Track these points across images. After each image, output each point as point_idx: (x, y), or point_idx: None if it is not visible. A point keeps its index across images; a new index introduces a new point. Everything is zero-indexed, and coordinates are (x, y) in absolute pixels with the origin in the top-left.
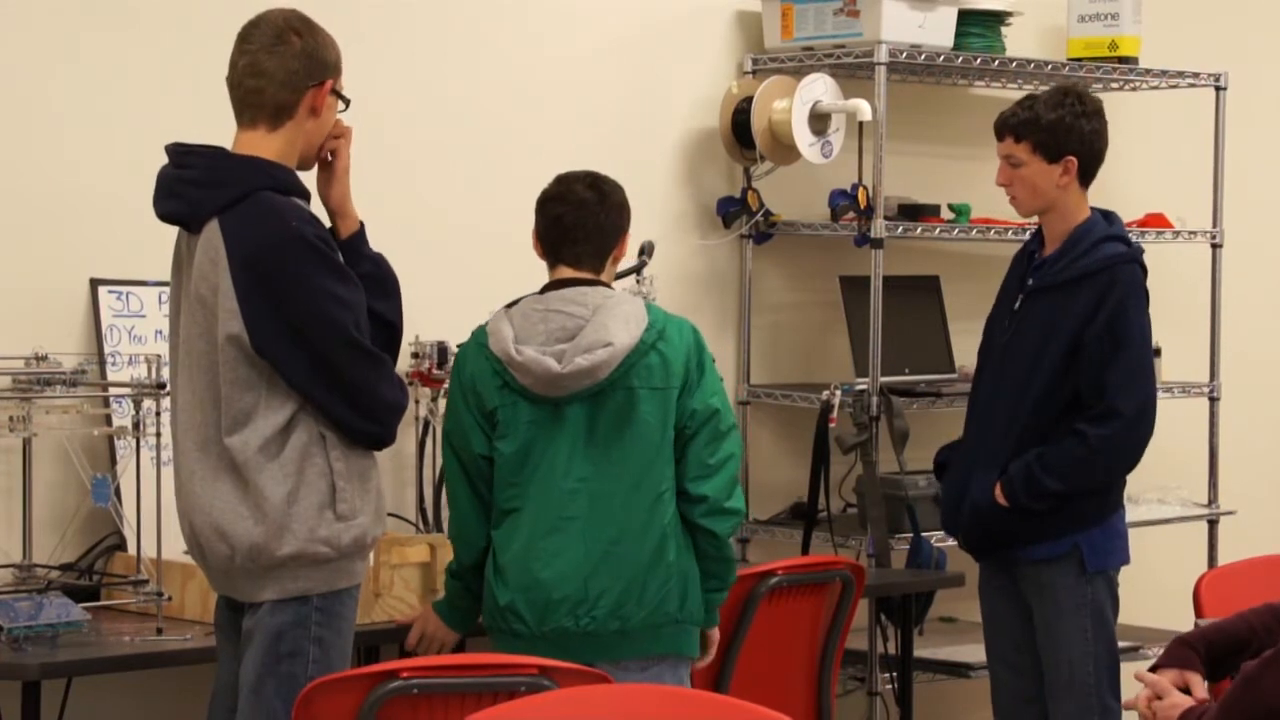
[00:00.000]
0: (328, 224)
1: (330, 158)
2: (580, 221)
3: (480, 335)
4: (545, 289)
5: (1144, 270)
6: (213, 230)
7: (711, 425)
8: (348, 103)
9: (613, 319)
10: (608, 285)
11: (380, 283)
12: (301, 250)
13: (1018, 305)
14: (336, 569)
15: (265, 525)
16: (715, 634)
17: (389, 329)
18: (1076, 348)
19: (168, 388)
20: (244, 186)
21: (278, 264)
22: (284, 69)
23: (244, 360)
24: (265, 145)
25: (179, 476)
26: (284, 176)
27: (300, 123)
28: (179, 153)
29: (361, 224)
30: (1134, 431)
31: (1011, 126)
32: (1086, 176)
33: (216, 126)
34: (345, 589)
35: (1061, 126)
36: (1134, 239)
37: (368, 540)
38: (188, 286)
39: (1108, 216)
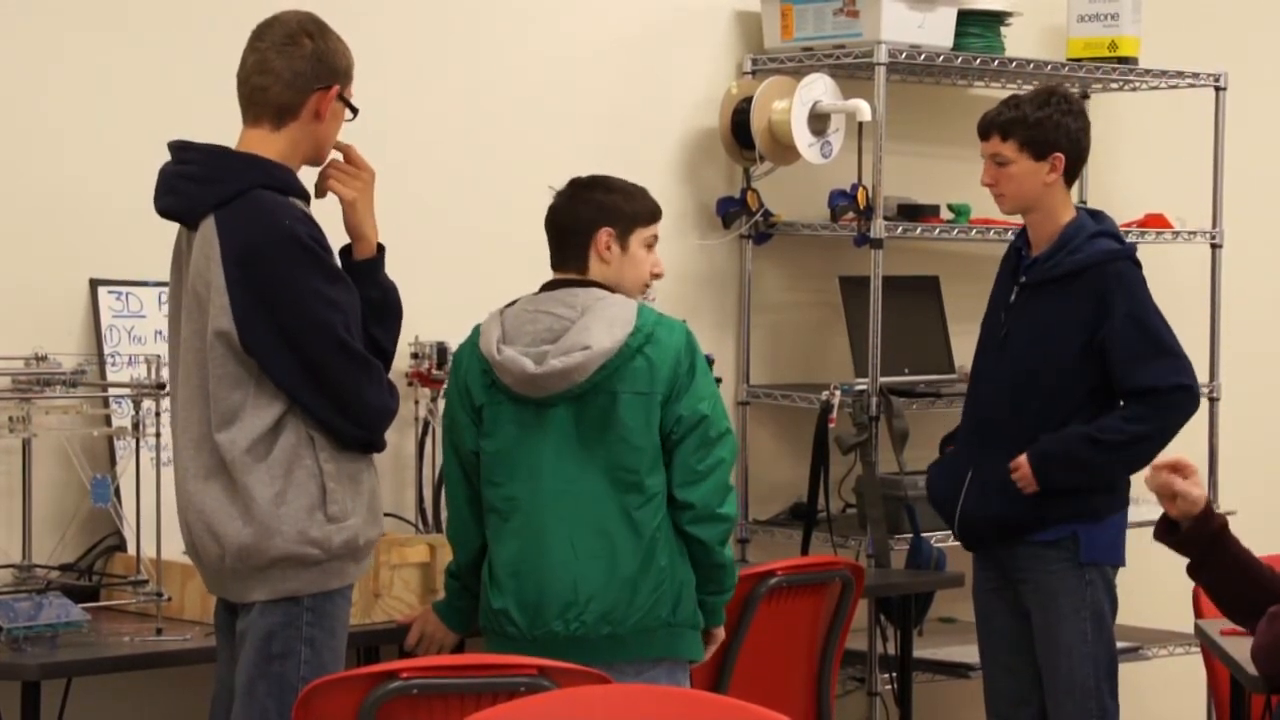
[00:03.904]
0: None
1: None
2: (552, 222)
3: (475, 334)
4: (541, 289)
5: (1138, 265)
6: (209, 226)
7: (699, 431)
8: (355, 111)
9: (596, 321)
10: (603, 286)
11: (384, 310)
12: (293, 250)
13: (1012, 299)
14: (327, 570)
15: (254, 526)
16: (719, 632)
17: (381, 355)
18: (1089, 345)
19: (167, 388)
20: (241, 183)
21: (269, 262)
22: (291, 69)
23: (232, 357)
24: (268, 144)
25: (176, 474)
26: (283, 176)
27: (304, 124)
28: (179, 148)
29: (381, 249)
30: (1194, 404)
31: (998, 125)
32: (1071, 175)
33: (215, 126)
34: (337, 589)
35: (1049, 123)
36: (1132, 238)
37: (360, 542)
38: (185, 283)
39: (1095, 215)
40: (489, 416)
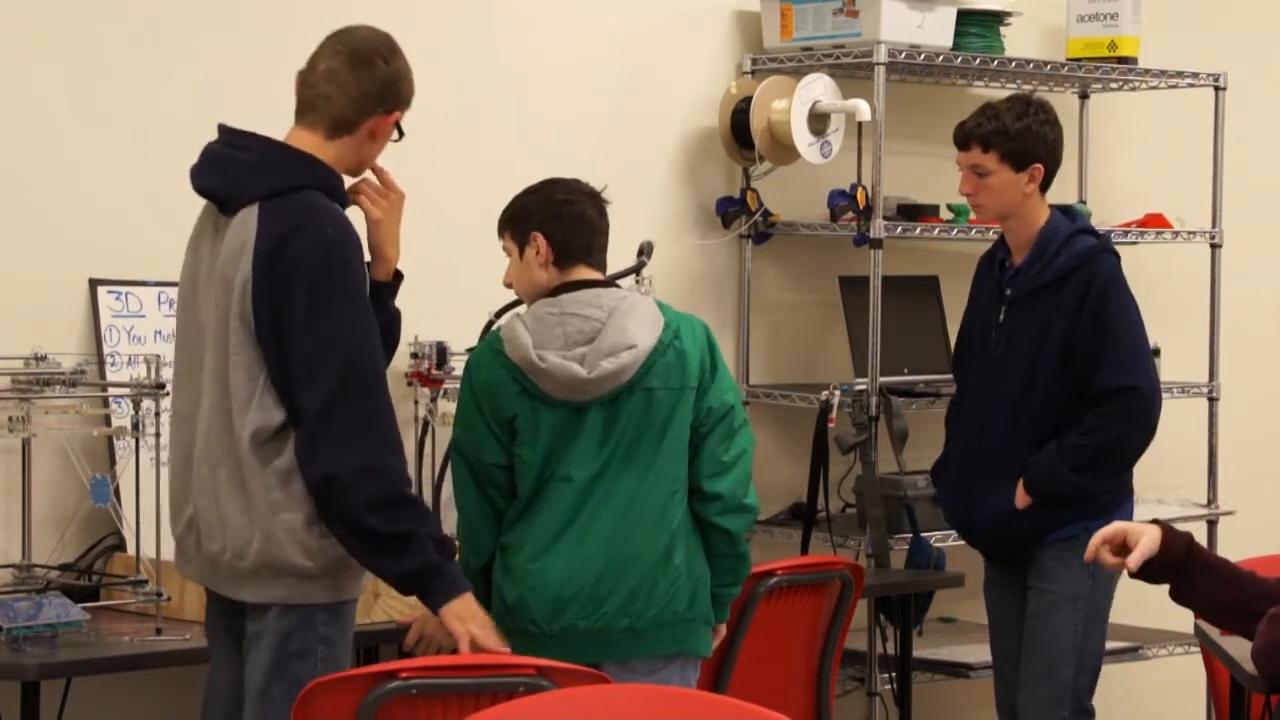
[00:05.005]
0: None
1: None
2: (604, 223)
3: (494, 341)
4: (556, 291)
5: (1117, 257)
6: (250, 215)
7: (726, 422)
8: (402, 134)
9: (631, 321)
10: (618, 286)
11: (383, 338)
12: (328, 261)
13: (1002, 317)
14: (320, 583)
15: (252, 526)
16: (722, 628)
17: None
18: (1069, 346)
19: (167, 388)
20: (293, 180)
21: (300, 266)
22: (360, 88)
23: (249, 345)
24: (319, 150)
25: (181, 457)
26: (332, 181)
27: (357, 141)
28: (232, 133)
29: (397, 275)
30: (1148, 403)
31: (978, 136)
32: (1046, 184)
33: (214, 128)
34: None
35: (1028, 135)
36: (1131, 238)
37: (353, 560)
38: (211, 264)
39: (1068, 212)
40: (526, 425)
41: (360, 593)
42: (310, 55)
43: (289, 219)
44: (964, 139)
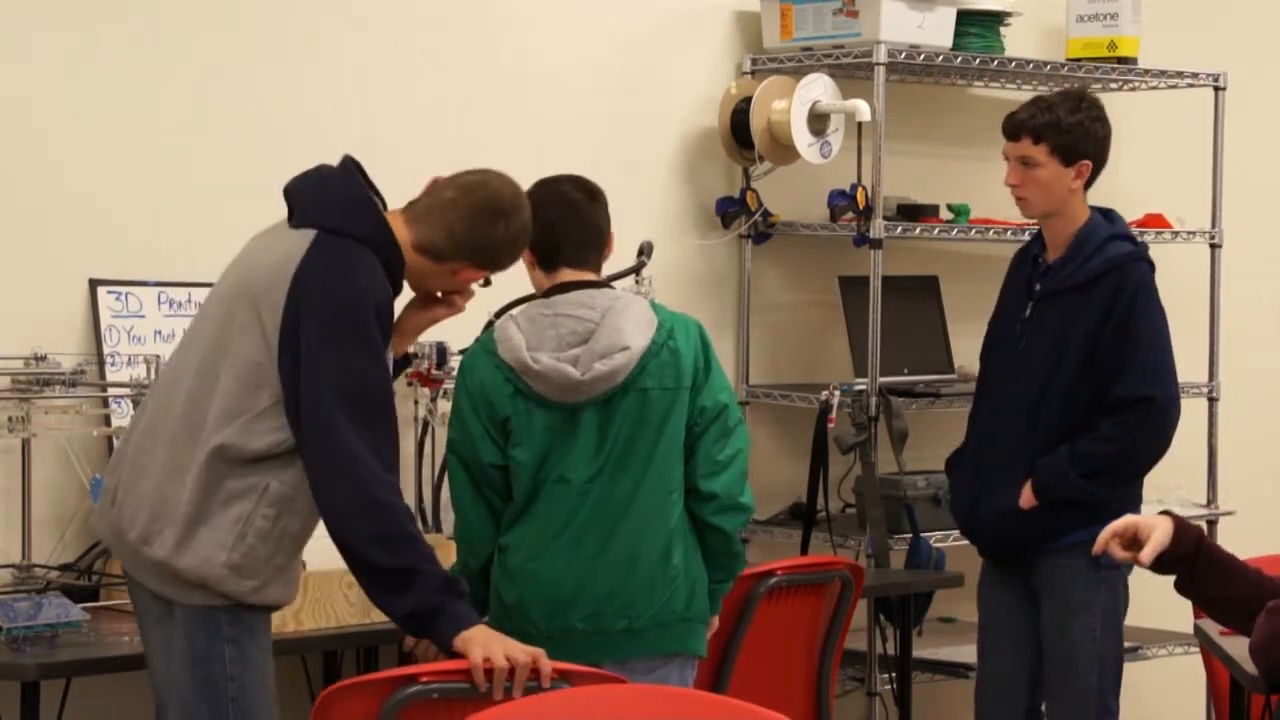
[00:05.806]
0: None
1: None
2: (580, 221)
3: (488, 342)
4: (549, 293)
5: (1152, 266)
6: (304, 238)
7: (720, 421)
8: (489, 283)
9: (625, 321)
10: (611, 286)
11: None
12: (356, 308)
13: (1028, 313)
14: (207, 596)
15: (164, 521)
16: (716, 620)
17: None
18: (1092, 351)
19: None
20: (359, 231)
21: (327, 305)
22: (464, 234)
23: (263, 363)
24: (404, 246)
25: (141, 426)
26: (393, 255)
27: (435, 268)
28: (346, 169)
29: (409, 355)
30: (1164, 415)
31: (1031, 128)
32: (1091, 181)
33: (215, 127)
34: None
35: (1080, 130)
36: (1138, 237)
37: (250, 600)
38: (253, 259)
39: (1108, 215)
40: (519, 426)
41: (262, 604)
42: (453, 171)
43: (335, 260)
44: (1015, 129)
